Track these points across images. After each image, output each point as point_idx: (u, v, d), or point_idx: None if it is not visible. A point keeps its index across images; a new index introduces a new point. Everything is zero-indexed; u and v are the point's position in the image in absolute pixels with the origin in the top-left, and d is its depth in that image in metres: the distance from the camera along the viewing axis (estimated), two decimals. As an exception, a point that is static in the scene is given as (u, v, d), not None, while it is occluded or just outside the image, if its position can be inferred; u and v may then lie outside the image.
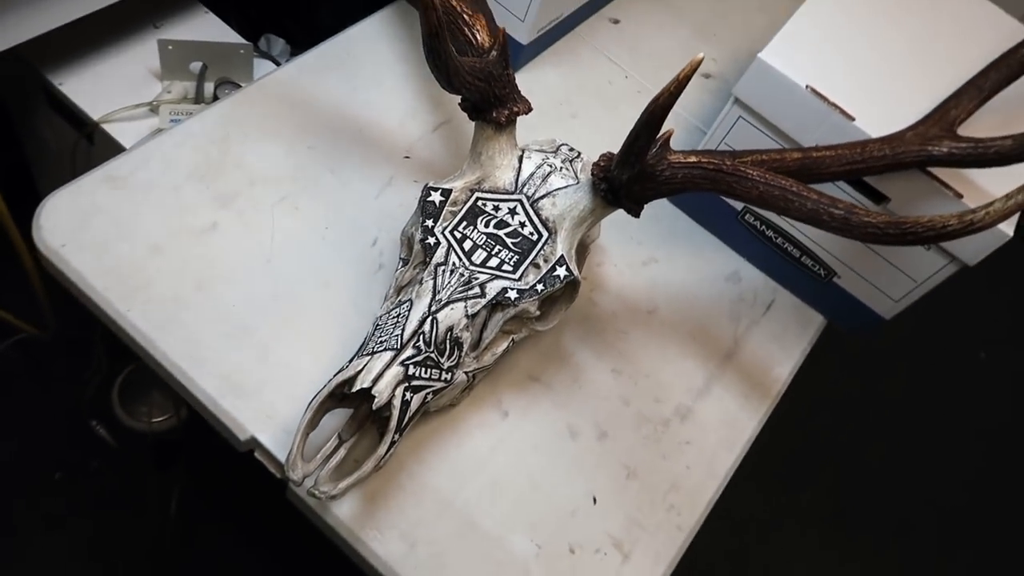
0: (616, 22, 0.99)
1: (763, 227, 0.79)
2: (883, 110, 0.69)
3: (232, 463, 0.66)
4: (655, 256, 0.81)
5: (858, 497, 1.68)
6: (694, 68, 0.46)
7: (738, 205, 0.80)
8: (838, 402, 1.79)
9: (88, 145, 0.87)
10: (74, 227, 0.64)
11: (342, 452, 0.57)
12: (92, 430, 1.15)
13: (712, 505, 0.68)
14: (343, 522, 0.59)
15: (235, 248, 0.68)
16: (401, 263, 0.65)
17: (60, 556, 1.08)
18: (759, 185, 0.55)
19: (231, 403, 0.61)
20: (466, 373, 0.61)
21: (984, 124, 0.67)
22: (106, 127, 0.82)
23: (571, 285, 0.63)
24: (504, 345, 0.63)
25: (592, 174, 0.61)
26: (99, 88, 0.83)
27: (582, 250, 0.67)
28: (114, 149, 0.82)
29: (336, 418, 0.59)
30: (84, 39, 0.83)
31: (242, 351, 0.63)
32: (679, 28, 1.02)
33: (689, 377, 0.74)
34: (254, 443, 0.61)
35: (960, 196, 0.65)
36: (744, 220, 0.80)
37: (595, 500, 0.65)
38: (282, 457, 0.60)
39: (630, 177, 0.56)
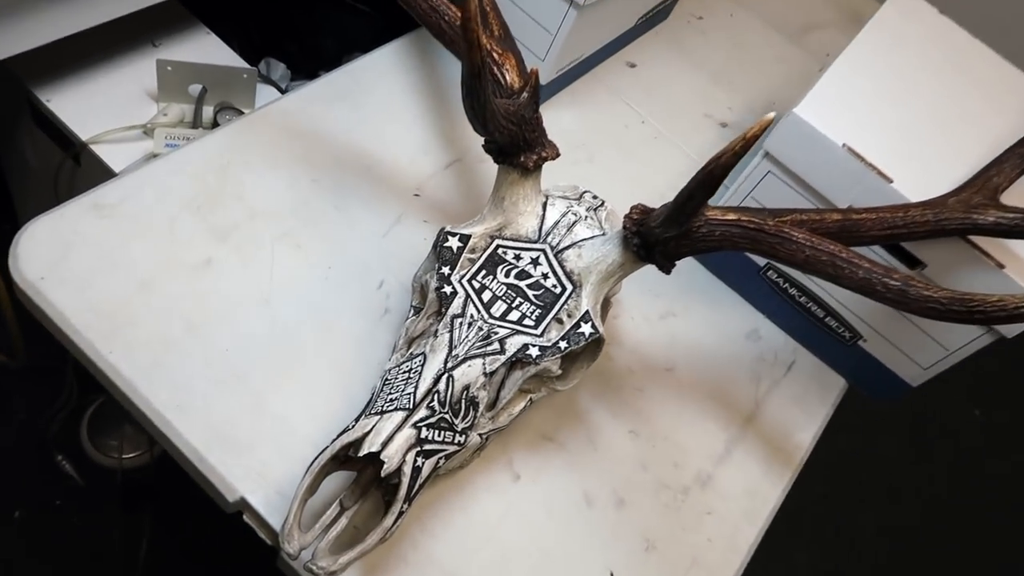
0: (633, 66, 0.96)
1: (785, 284, 0.76)
2: (919, 173, 0.66)
3: (211, 511, 0.60)
4: (673, 310, 0.77)
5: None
6: (763, 128, 0.43)
7: (760, 260, 0.76)
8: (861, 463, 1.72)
9: (74, 167, 0.81)
10: (55, 258, 0.59)
11: (343, 521, 0.52)
12: (58, 465, 1.08)
13: (735, 583, 0.63)
14: (339, 597, 0.53)
15: (231, 287, 0.63)
16: (412, 311, 0.60)
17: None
18: (805, 249, 0.52)
19: (219, 458, 0.55)
20: (480, 435, 0.56)
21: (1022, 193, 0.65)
22: (95, 148, 0.76)
23: (595, 343, 0.58)
24: (521, 405, 0.59)
25: (625, 227, 0.57)
26: (90, 107, 0.78)
27: (605, 305, 0.63)
28: (102, 173, 0.77)
29: (336, 481, 0.54)
30: (76, 54, 0.78)
31: (234, 401, 0.58)
32: (695, 74, 0.99)
33: (709, 440, 0.69)
34: (243, 504, 0.55)
35: (1002, 266, 0.62)
36: (766, 276, 0.77)
37: (612, 576, 0.60)
38: (274, 521, 0.54)
39: (672, 235, 0.52)
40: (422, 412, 0.51)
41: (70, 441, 1.08)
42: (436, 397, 0.52)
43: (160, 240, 0.63)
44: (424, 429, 0.51)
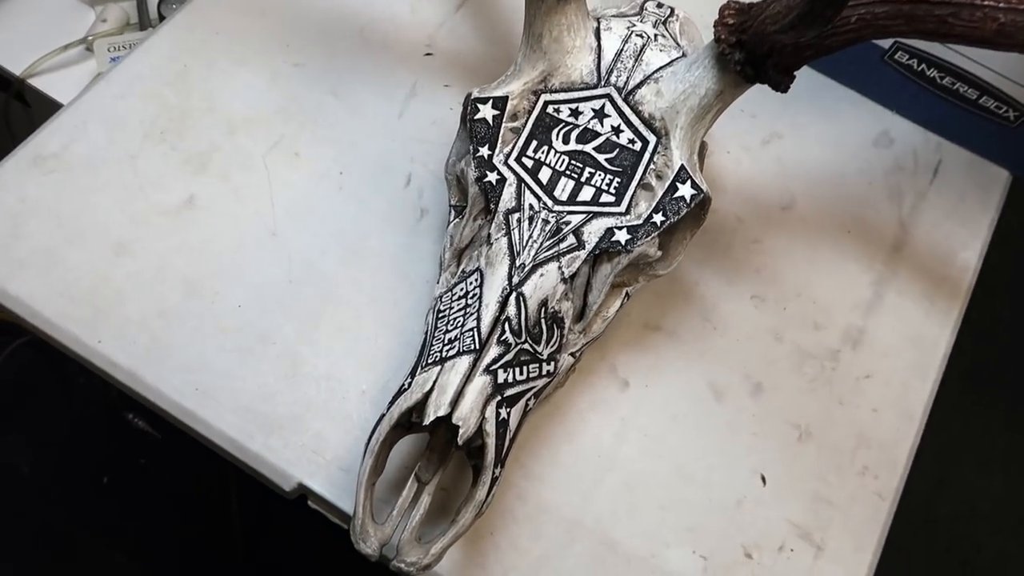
0: None
1: (921, 65, 0.58)
2: None
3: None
4: (777, 130, 0.60)
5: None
6: None
7: (884, 41, 0.58)
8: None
9: (25, 110, 0.68)
10: (2, 238, 0.47)
11: (425, 499, 0.41)
12: (130, 423, 1.02)
13: (914, 456, 0.51)
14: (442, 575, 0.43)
15: (225, 226, 0.50)
16: (453, 213, 0.46)
17: (124, 569, 0.98)
18: (999, 15, 0.35)
19: (261, 443, 0.45)
20: (572, 354, 0.43)
21: None
22: (35, 83, 0.62)
23: (699, 206, 0.44)
24: (617, 304, 0.45)
25: (718, 39, 0.40)
26: (16, 32, 0.63)
27: (701, 150, 0.48)
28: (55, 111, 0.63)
29: (408, 444, 0.43)
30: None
31: (263, 368, 0.47)
32: None
33: (852, 287, 0.55)
34: (303, 490, 0.45)
35: None
36: (893, 61, 0.59)
37: (764, 480, 0.49)
38: (344, 503, 0.44)
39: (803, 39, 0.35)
40: (493, 351, 0.39)
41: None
42: (507, 326, 0.39)
43: (126, 186, 0.50)
44: (500, 371, 0.39)
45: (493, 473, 0.39)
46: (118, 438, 1.03)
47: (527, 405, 0.40)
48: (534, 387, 0.41)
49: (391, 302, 0.49)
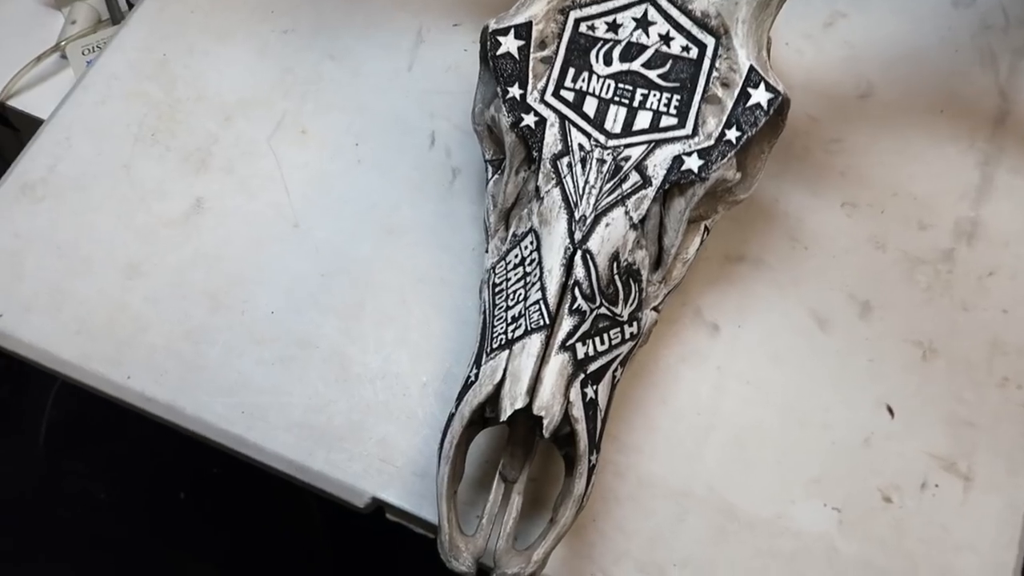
0: None
1: (1001, -102, 0.49)
2: None
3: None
4: (838, 8, 0.52)
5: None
6: None
7: None
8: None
9: (15, 134, 0.63)
10: (4, 282, 0.42)
11: (516, 500, 0.36)
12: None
13: (1060, 354, 0.44)
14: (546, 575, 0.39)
15: (240, 224, 0.45)
16: (491, 169, 0.40)
17: (219, 580, 0.97)
18: None
19: (324, 460, 0.40)
20: (655, 308, 0.37)
21: None
22: (15, 103, 0.57)
23: (778, 111, 0.37)
24: (697, 242, 0.39)
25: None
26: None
27: (768, 46, 0.40)
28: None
29: (484, 437, 0.38)
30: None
31: (310, 377, 0.42)
32: None
33: (955, 173, 0.48)
34: (378, 503, 0.40)
35: None
36: (966, -102, 0.50)
37: (891, 411, 0.42)
38: (424, 512, 0.40)
39: None
40: (567, 324, 0.33)
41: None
42: (578, 292, 0.33)
43: (124, 200, 0.45)
44: (579, 346, 0.33)
45: (590, 462, 0.33)
46: (187, 450, 1.01)
47: (615, 377, 0.35)
48: (619, 354, 0.35)
49: (437, 279, 0.44)
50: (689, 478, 0.41)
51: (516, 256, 0.36)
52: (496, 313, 0.35)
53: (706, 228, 0.39)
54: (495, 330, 0.34)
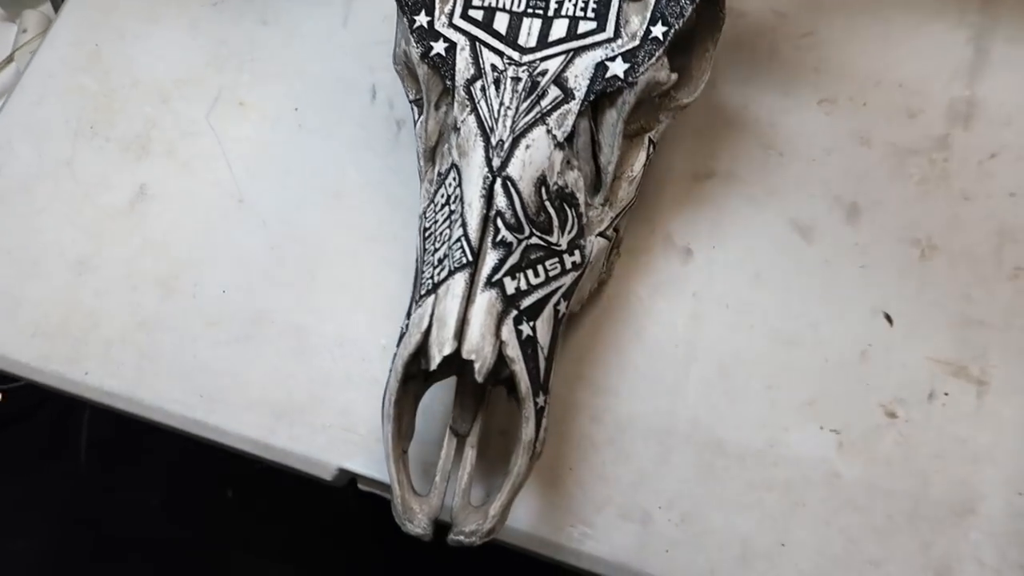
0: None
1: None
2: None
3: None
4: None
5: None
6: None
7: None
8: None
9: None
10: (-40, 292, 0.42)
11: (470, 455, 0.34)
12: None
13: (1080, 236, 0.40)
14: (523, 531, 0.37)
15: (185, 207, 0.43)
16: (416, 110, 0.38)
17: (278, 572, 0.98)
18: None
19: (287, 436, 0.39)
20: (603, 235, 0.35)
21: None
22: (-19, 122, 0.57)
23: (716, 2, 0.33)
24: (642, 157, 0.36)
25: None
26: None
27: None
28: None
29: (442, 392, 0.36)
30: None
31: (266, 353, 0.40)
32: None
33: (945, 52, 0.43)
34: (347, 476, 0.39)
35: None
36: None
37: (889, 318, 0.39)
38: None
39: None
40: (491, 258, 0.31)
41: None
42: (501, 222, 0.31)
43: (69, 197, 0.44)
44: (507, 280, 0.31)
45: (536, 404, 0.31)
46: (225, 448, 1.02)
47: (558, 311, 0.32)
48: (560, 286, 0.32)
49: (390, 236, 0.42)
50: (671, 415, 0.38)
51: (442, 196, 0.33)
52: (425, 258, 0.33)
53: (651, 141, 0.36)
54: (423, 276, 0.32)
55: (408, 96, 0.38)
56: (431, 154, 0.35)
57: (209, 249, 0.42)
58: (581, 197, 0.33)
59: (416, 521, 0.32)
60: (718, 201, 0.41)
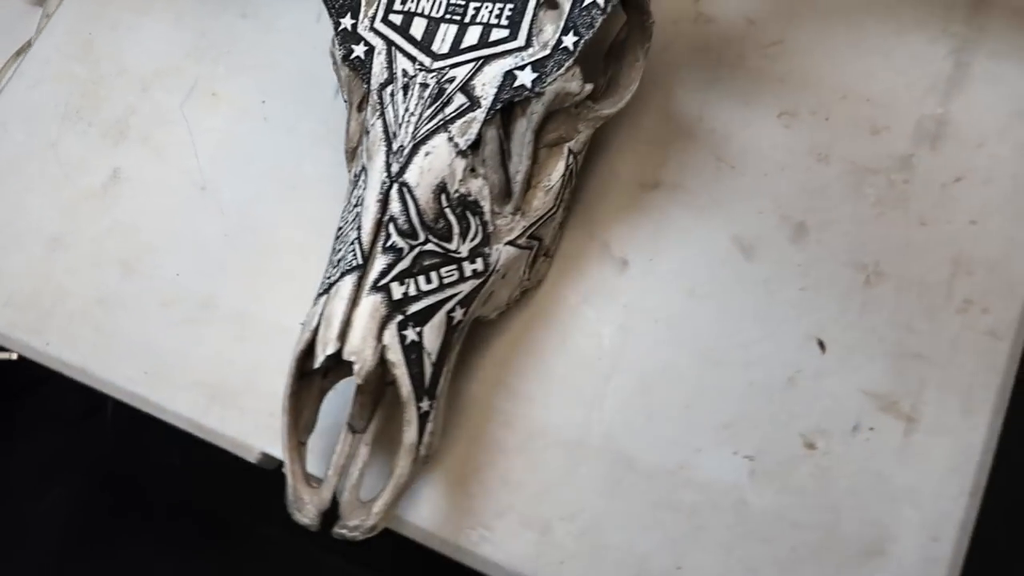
0: None
1: None
2: None
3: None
4: None
5: None
6: None
7: None
8: None
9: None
10: (-52, 262, 0.46)
11: (364, 452, 0.34)
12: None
13: (1044, 271, 0.37)
14: (425, 529, 0.37)
15: (153, 193, 0.46)
16: (347, 111, 0.38)
17: (282, 542, 1.02)
18: None
19: (218, 417, 0.41)
20: (515, 243, 0.34)
21: None
22: (9, 100, 0.61)
23: (635, 7, 0.33)
24: (560, 167, 0.36)
25: None
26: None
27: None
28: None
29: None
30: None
31: (209, 337, 0.42)
32: None
33: (922, 65, 0.41)
34: (270, 460, 0.40)
35: None
36: None
37: (822, 345, 0.37)
38: (315, 468, 0.39)
39: None
40: (379, 263, 0.31)
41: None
42: (393, 227, 0.31)
43: (51, 177, 0.47)
44: (395, 285, 0.31)
45: (418, 408, 0.31)
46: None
47: (452, 318, 0.32)
48: (456, 293, 0.32)
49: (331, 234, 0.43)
50: (584, 428, 0.38)
51: (354, 197, 0.34)
52: (331, 258, 0.34)
53: (571, 151, 0.35)
54: (324, 275, 0.33)
55: (343, 96, 0.39)
56: (351, 155, 0.36)
57: (170, 233, 0.44)
58: (486, 205, 0.33)
59: (305, 511, 0.33)
60: (661, 212, 0.41)
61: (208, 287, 0.43)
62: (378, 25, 0.34)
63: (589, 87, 0.33)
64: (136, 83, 0.48)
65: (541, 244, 0.37)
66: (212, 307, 0.43)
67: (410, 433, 0.31)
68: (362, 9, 0.35)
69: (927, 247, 0.38)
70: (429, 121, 0.32)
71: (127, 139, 0.47)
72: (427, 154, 0.32)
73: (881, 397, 0.36)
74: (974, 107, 0.39)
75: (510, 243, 0.34)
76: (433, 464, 0.38)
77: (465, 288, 0.33)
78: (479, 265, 0.33)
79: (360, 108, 0.35)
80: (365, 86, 0.34)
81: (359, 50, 0.34)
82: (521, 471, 0.37)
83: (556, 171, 0.35)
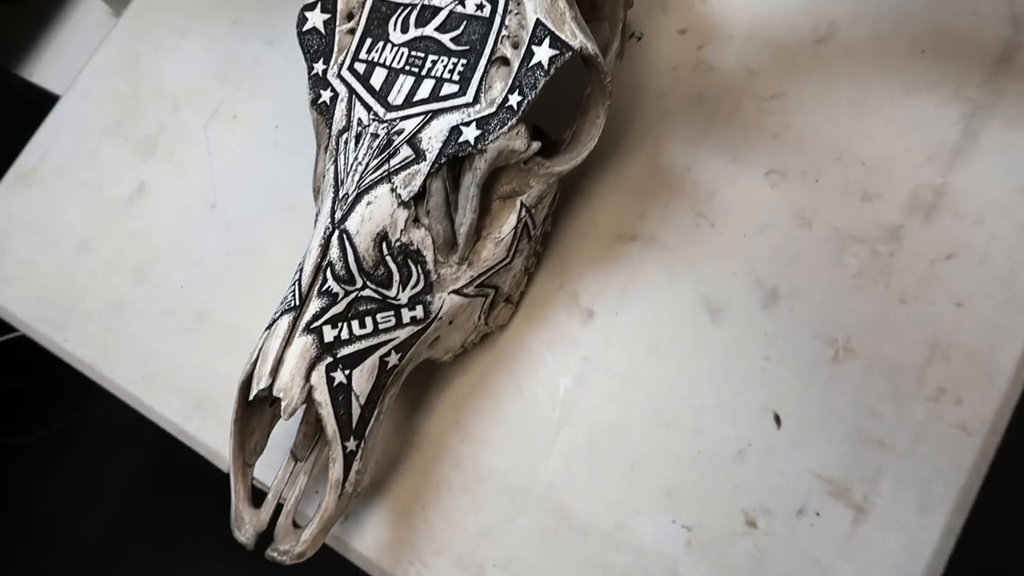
0: None
1: None
2: None
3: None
4: (808, -66, 0.43)
5: None
6: None
7: None
8: None
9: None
10: (-6, 256, 0.51)
11: (302, 480, 0.36)
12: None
13: (1030, 366, 0.34)
14: (367, 557, 0.38)
15: (170, 206, 0.49)
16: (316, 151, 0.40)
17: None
18: None
19: (198, 426, 0.43)
20: (459, 292, 0.35)
21: None
22: (84, 103, 0.67)
23: (595, 68, 0.32)
24: (512, 220, 0.36)
25: None
26: (60, 55, 0.69)
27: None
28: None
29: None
30: (18, 19, 0.69)
31: (201, 348, 0.45)
32: None
33: (926, 129, 0.38)
34: (241, 472, 0.42)
35: None
36: None
37: (778, 419, 0.36)
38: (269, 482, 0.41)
39: None
40: (314, 305, 0.32)
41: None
42: (330, 272, 0.33)
43: (87, 185, 0.51)
44: (327, 328, 0.32)
45: (344, 447, 0.32)
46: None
47: (385, 363, 0.33)
48: (392, 339, 0.33)
49: (325, 257, 0.44)
50: (530, 476, 0.38)
51: (310, 239, 0.35)
52: (284, 294, 0.35)
53: (523, 205, 0.35)
54: (274, 311, 0.35)
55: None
56: (316, 193, 0.37)
57: (179, 246, 0.47)
58: (428, 255, 0.34)
59: (243, 530, 0.35)
60: (634, 266, 0.40)
61: (206, 300, 0.46)
62: (344, 72, 0.35)
63: (536, 145, 0.33)
64: (169, 102, 0.51)
65: (498, 291, 0.37)
66: (207, 319, 0.45)
67: (335, 470, 0.32)
68: (333, 55, 0.36)
69: (905, 327, 0.35)
70: (375, 171, 0.33)
71: (155, 155, 0.50)
72: (369, 203, 0.33)
73: (833, 482, 0.34)
74: (978, 179, 0.37)
75: (455, 291, 0.35)
76: (382, 493, 0.39)
77: (402, 334, 0.33)
78: (419, 312, 0.34)
79: (326, 149, 0.37)
80: (327, 131, 0.35)
81: (326, 95, 0.35)
82: (464, 512, 0.38)
83: (507, 223, 0.35)
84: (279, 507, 0.37)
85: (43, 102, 0.68)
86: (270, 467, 0.38)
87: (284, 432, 0.38)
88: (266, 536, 0.36)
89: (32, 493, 1.14)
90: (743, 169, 0.40)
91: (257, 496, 0.37)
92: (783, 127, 0.40)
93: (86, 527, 1.12)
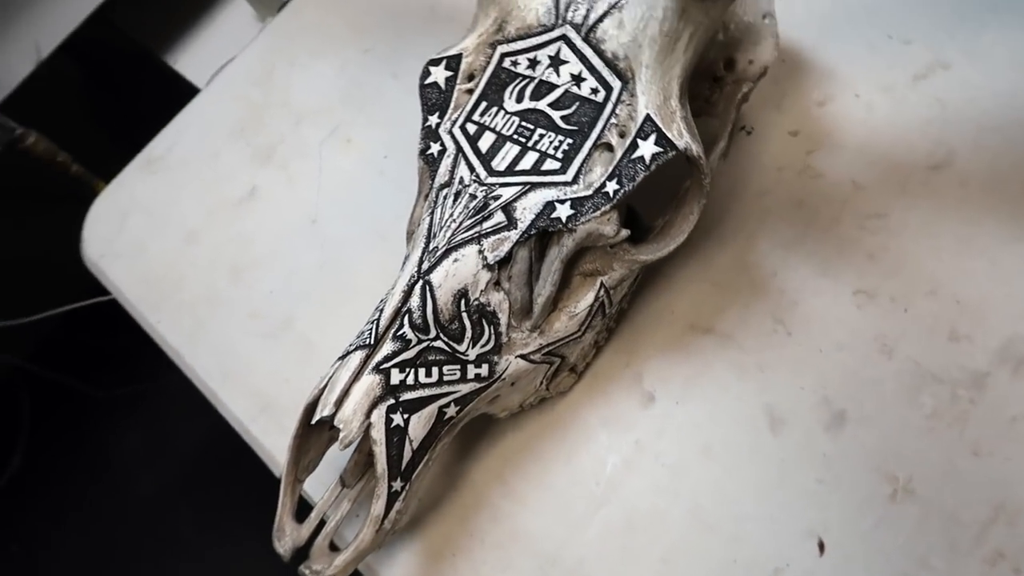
0: None
1: None
2: None
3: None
4: (943, 59, 0.43)
5: None
6: None
7: None
8: None
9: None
10: (112, 232, 0.55)
11: (345, 506, 0.37)
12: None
13: (1103, 547, 0.32)
14: (394, 594, 0.39)
15: (276, 214, 0.51)
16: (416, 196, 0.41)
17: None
18: None
19: (262, 427, 0.45)
20: (526, 357, 0.36)
21: None
22: (218, 97, 0.71)
23: (696, 168, 0.33)
24: (590, 297, 0.36)
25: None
26: (206, 51, 0.73)
27: (715, 85, 0.36)
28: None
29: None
30: (174, 7, 0.74)
31: (280, 355, 0.47)
32: None
33: (1032, 279, 0.37)
34: (291, 481, 0.44)
35: None
36: None
37: (822, 546, 0.35)
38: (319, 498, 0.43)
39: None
40: (386, 347, 0.34)
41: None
42: (407, 319, 0.34)
43: (205, 181, 0.54)
44: (395, 371, 0.34)
45: (390, 486, 0.34)
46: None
47: (444, 413, 0.34)
48: (454, 392, 0.34)
49: (408, 291, 0.46)
50: (563, 546, 0.38)
51: (395, 281, 0.37)
52: (361, 327, 0.37)
53: (603, 285, 0.36)
54: (350, 342, 0.36)
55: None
56: (409, 236, 0.39)
57: (275, 253, 0.50)
58: (503, 318, 0.35)
59: (283, 542, 0.37)
60: (703, 359, 0.40)
61: (291, 309, 0.48)
62: (455, 130, 0.37)
63: (625, 233, 0.34)
64: (293, 116, 0.54)
65: (564, 361, 0.38)
66: (288, 329, 0.48)
67: (377, 506, 0.34)
68: (448, 111, 0.38)
69: (972, 480, 0.34)
70: (467, 231, 0.34)
71: (271, 163, 0.53)
72: (455, 260, 0.34)
73: (865, 623, 0.33)
74: (1078, 341, 0.35)
75: (522, 356, 0.36)
76: (418, 530, 0.40)
77: (464, 389, 0.35)
78: (483, 371, 0.35)
79: (426, 198, 0.38)
80: (430, 182, 0.37)
81: (435, 148, 0.37)
82: (492, 568, 0.39)
83: (584, 300, 0.36)
84: (321, 523, 0.38)
85: (182, 89, 0.73)
86: (318, 479, 0.39)
87: (339, 452, 0.39)
88: (302, 550, 0.37)
89: (102, 443, 1.21)
90: (831, 283, 0.40)
91: (301, 508, 0.38)
92: (880, 249, 0.40)
93: (144, 482, 1.18)
